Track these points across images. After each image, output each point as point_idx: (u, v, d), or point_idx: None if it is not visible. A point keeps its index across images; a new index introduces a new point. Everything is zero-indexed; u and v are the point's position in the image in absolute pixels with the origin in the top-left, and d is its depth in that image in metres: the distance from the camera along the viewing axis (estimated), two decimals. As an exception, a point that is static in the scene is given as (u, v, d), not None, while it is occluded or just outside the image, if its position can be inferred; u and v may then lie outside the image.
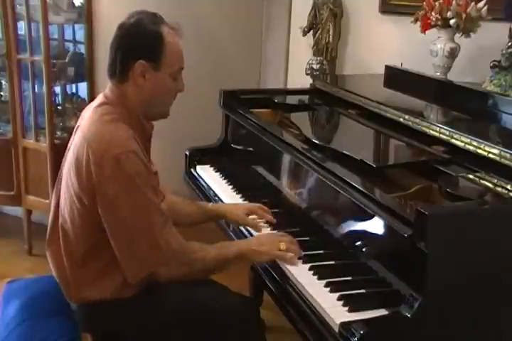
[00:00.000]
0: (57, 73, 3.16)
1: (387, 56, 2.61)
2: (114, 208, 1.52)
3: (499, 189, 1.49)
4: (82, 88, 3.39)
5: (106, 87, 1.70)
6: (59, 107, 3.35)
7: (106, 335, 1.69)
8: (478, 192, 1.51)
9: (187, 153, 2.43)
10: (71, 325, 1.71)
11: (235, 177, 2.26)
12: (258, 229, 1.84)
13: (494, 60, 2.10)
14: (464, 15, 2.20)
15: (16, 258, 3.19)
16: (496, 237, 1.35)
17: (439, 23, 2.25)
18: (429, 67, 2.36)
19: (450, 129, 1.75)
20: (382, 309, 1.37)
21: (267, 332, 1.90)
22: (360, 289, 1.46)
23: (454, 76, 2.32)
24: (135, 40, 1.59)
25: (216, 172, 2.32)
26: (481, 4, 2.21)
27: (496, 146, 1.59)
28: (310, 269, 1.58)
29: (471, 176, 1.58)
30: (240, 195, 2.11)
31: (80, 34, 3.33)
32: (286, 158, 1.96)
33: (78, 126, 1.67)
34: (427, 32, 2.32)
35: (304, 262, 1.62)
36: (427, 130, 1.82)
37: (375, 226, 1.47)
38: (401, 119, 1.93)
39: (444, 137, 1.76)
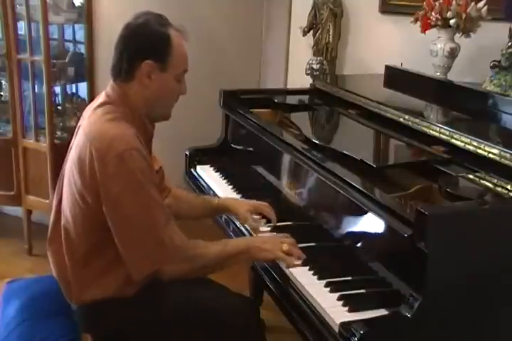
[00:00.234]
0: (57, 73, 3.16)
1: (387, 56, 2.61)
2: (118, 205, 1.52)
3: (499, 189, 1.49)
4: (82, 88, 3.39)
5: (106, 86, 1.69)
6: (59, 107, 3.35)
7: (106, 335, 1.69)
8: (478, 192, 1.51)
9: (187, 153, 2.43)
10: (71, 326, 1.71)
11: (235, 177, 2.26)
12: (255, 231, 1.84)
13: (494, 60, 2.11)
14: (463, 15, 2.20)
15: (16, 258, 3.19)
16: (496, 237, 1.35)
17: (439, 23, 2.25)
18: (429, 67, 2.36)
19: (450, 129, 1.75)
20: (382, 309, 1.37)
21: (267, 332, 1.90)
22: (360, 289, 1.46)
23: (454, 76, 2.32)
24: (143, 40, 1.60)
25: (216, 172, 2.32)
26: (481, 4, 2.21)
27: (496, 146, 1.59)
28: (310, 269, 1.58)
29: (471, 176, 1.58)
30: (240, 195, 2.11)
31: (80, 34, 3.33)
32: (286, 158, 1.96)
33: (79, 126, 1.67)
34: (427, 32, 2.32)
35: (304, 262, 1.62)
36: (427, 130, 1.82)
37: (375, 226, 1.47)
38: (401, 119, 1.93)
39: (444, 137, 1.76)
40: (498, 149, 1.58)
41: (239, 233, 1.92)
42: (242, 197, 2.09)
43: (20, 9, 3.01)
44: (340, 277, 1.52)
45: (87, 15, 3.19)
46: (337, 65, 3.09)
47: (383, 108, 2.03)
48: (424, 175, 1.66)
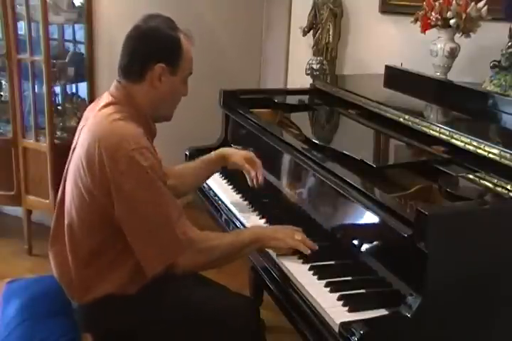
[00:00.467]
0: (57, 73, 3.16)
1: (387, 56, 2.62)
2: (130, 203, 1.54)
3: (499, 189, 1.49)
4: (82, 88, 3.38)
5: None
6: (59, 107, 3.34)
7: (106, 335, 1.69)
8: (478, 192, 1.51)
9: (187, 153, 2.43)
10: (71, 325, 1.71)
11: (235, 177, 2.25)
12: (251, 173, 1.94)
13: (494, 60, 2.11)
14: (463, 15, 2.20)
15: (16, 258, 3.19)
16: (496, 237, 1.35)
17: (439, 23, 2.25)
18: (429, 67, 2.36)
19: (450, 129, 1.75)
20: (382, 309, 1.37)
21: (267, 332, 1.90)
22: (360, 289, 1.46)
23: (454, 76, 2.32)
24: (156, 43, 1.62)
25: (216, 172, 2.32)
26: (481, 4, 2.21)
27: (496, 146, 1.59)
28: (310, 269, 1.58)
29: (471, 176, 1.58)
30: (239, 195, 2.11)
31: (80, 34, 3.33)
32: (286, 158, 1.96)
33: (83, 127, 1.68)
34: (427, 32, 2.32)
35: (304, 262, 1.62)
36: (427, 130, 1.82)
37: (375, 226, 1.48)
38: (401, 119, 1.93)
39: (444, 137, 1.76)
40: (498, 149, 1.58)
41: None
42: (242, 197, 2.09)
43: (20, 9, 3.01)
44: (340, 277, 1.52)
45: (87, 15, 3.19)
46: (337, 65, 3.09)
47: (383, 108, 2.03)
48: (424, 175, 1.66)
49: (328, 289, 1.48)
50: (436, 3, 2.24)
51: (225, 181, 2.24)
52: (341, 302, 1.41)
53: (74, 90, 3.47)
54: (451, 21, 2.21)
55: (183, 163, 2.44)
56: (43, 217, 3.31)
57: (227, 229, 2.00)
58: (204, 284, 1.82)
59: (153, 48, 1.62)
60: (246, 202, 2.03)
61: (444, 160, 1.69)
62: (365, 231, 1.54)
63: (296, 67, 3.26)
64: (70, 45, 3.45)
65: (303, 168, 1.83)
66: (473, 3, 2.21)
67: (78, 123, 1.79)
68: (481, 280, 1.36)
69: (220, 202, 2.12)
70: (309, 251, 1.62)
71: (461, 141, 1.69)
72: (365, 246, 1.52)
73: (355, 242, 1.55)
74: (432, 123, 1.82)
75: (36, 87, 3.12)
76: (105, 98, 1.67)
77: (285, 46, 3.47)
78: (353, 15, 3.01)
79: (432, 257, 1.28)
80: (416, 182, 1.63)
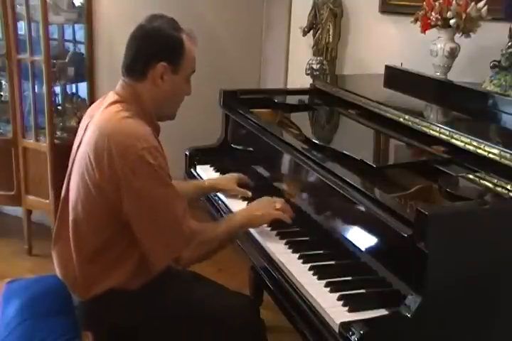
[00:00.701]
0: (57, 73, 3.16)
1: (387, 56, 2.61)
2: (140, 199, 1.58)
3: (499, 189, 1.49)
4: (82, 88, 3.38)
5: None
6: (59, 107, 3.35)
7: (106, 332, 1.70)
8: (478, 192, 1.51)
9: (187, 153, 2.43)
10: (71, 324, 1.72)
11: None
12: (247, 195, 2.03)
13: (494, 60, 2.10)
14: (463, 15, 2.20)
15: (16, 258, 3.19)
16: (496, 237, 1.35)
17: (439, 23, 2.25)
18: (429, 67, 2.36)
19: (450, 129, 1.75)
20: (382, 309, 1.37)
21: (267, 331, 1.90)
22: (360, 289, 1.46)
23: (454, 76, 2.32)
24: (158, 43, 1.66)
25: (216, 172, 2.32)
26: (481, 4, 2.21)
27: (496, 146, 1.59)
28: (310, 269, 1.58)
29: (471, 176, 1.57)
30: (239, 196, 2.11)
31: (80, 34, 3.34)
32: (286, 158, 1.96)
33: (88, 124, 1.69)
34: (427, 32, 2.31)
35: (304, 262, 1.62)
36: (427, 130, 1.82)
37: (375, 226, 1.47)
38: (401, 119, 1.93)
39: (444, 137, 1.76)
40: (498, 149, 1.58)
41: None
42: (242, 197, 2.09)
43: (20, 9, 3.01)
44: (340, 277, 1.52)
45: (87, 15, 3.19)
46: (337, 65, 3.09)
47: (383, 108, 2.03)
48: (424, 175, 1.66)
49: (328, 289, 1.48)
50: (436, 3, 2.24)
51: (225, 181, 2.24)
52: (341, 302, 1.41)
53: (74, 90, 3.47)
54: (451, 21, 2.21)
55: (183, 163, 2.44)
56: (43, 217, 3.31)
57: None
58: (204, 284, 1.83)
59: (156, 47, 1.65)
60: (246, 202, 2.02)
61: (444, 160, 1.69)
62: (365, 231, 1.53)
63: (296, 67, 3.26)
64: (70, 45, 3.45)
65: (303, 168, 1.83)
66: (473, 3, 2.21)
67: (78, 123, 1.80)
68: (481, 280, 1.36)
69: (220, 202, 2.12)
70: (290, 221, 1.77)
71: (461, 141, 1.69)
72: (365, 246, 1.52)
73: (355, 242, 1.55)
74: (431, 123, 1.82)
75: (36, 87, 3.12)
76: (110, 96, 1.69)
77: (285, 46, 3.47)
78: (353, 15, 3.01)
79: (432, 257, 1.28)
80: (416, 182, 1.63)
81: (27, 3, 2.96)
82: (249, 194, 2.03)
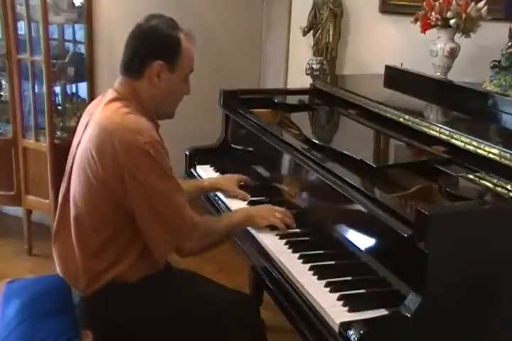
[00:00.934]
0: (57, 73, 3.16)
1: (387, 56, 2.61)
2: (145, 192, 1.60)
3: (499, 189, 1.49)
4: (82, 88, 3.38)
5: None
6: (59, 107, 3.35)
7: (106, 330, 1.70)
8: (478, 192, 1.51)
9: (187, 153, 2.43)
10: (71, 323, 1.72)
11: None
12: (246, 198, 2.04)
13: (494, 60, 2.10)
14: (463, 15, 2.20)
15: (16, 258, 3.19)
16: (496, 237, 1.35)
17: (439, 23, 2.25)
18: (429, 67, 2.36)
19: (450, 129, 1.75)
20: (382, 309, 1.37)
21: (267, 331, 1.90)
22: (360, 289, 1.46)
23: (454, 76, 2.32)
24: (155, 41, 1.68)
25: (216, 172, 2.32)
26: (481, 4, 2.21)
27: (496, 146, 1.59)
28: (310, 269, 1.58)
29: (471, 176, 1.58)
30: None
31: (80, 34, 3.33)
32: (286, 158, 1.96)
33: (88, 121, 1.70)
34: (427, 32, 2.32)
35: (304, 262, 1.62)
36: (427, 130, 1.82)
37: (375, 226, 1.47)
38: (401, 119, 1.93)
39: (444, 137, 1.76)
40: (498, 149, 1.58)
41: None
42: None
43: (20, 9, 3.01)
44: (340, 277, 1.52)
45: (87, 15, 3.19)
46: (337, 65, 3.08)
47: (383, 108, 2.03)
48: (424, 175, 1.66)
49: (328, 289, 1.48)
50: (436, 3, 2.24)
51: (225, 181, 2.24)
52: (341, 302, 1.41)
53: (74, 90, 3.47)
54: (451, 21, 2.21)
55: (183, 163, 2.44)
56: (43, 217, 3.31)
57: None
58: (204, 282, 1.84)
59: (153, 46, 1.67)
60: (246, 203, 2.02)
61: (444, 160, 1.69)
62: (365, 231, 1.54)
63: (296, 67, 3.26)
64: (70, 45, 3.45)
65: (303, 168, 1.83)
66: (473, 3, 2.21)
67: (78, 123, 1.80)
68: (481, 280, 1.36)
69: (220, 202, 2.12)
70: (286, 231, 1.78)
71: (461, 141, 1.69)
72: (365, 246, 1.52)
73: (355, 242, 1.55)
74: (431, 123, 1.82)
75: (36, 87, 3.12)
76: (110, 94, 1.71)
77: (285, 46, 3.47)
78: (353, 15, 3.01)
79: (431, 257, 1.28)
80: (416, 182, 1.63)
81: (27, 3, 2.95)
82: (249, 197, 2.03)
